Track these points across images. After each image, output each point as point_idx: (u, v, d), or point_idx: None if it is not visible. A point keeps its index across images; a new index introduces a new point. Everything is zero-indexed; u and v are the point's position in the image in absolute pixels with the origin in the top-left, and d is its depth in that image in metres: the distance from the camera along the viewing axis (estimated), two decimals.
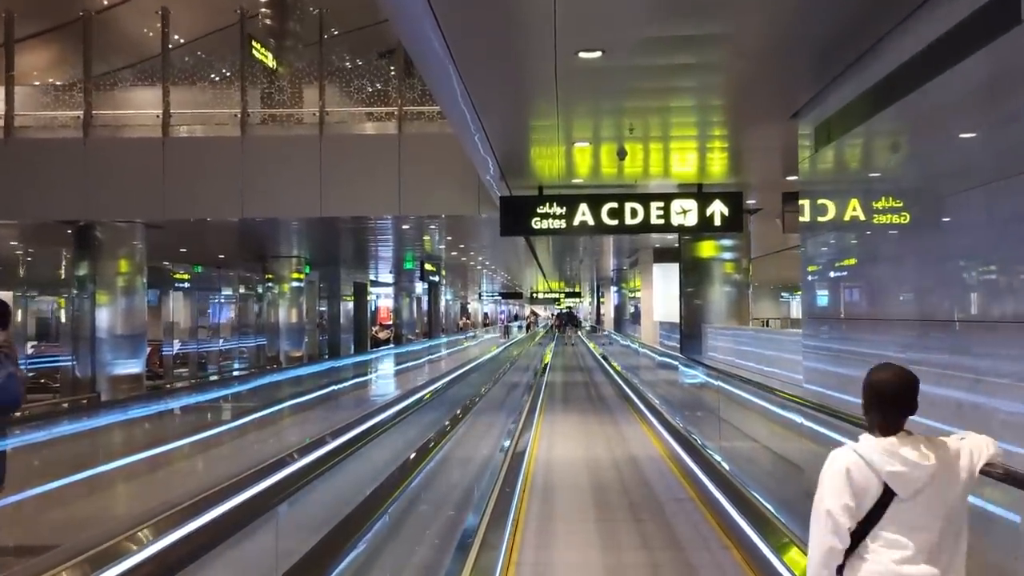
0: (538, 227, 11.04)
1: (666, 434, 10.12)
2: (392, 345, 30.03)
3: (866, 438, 2.48)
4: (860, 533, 2.42)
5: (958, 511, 2.44)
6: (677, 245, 21.33)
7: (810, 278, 7.34)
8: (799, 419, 6.77)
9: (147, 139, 13.99)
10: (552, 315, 63.44)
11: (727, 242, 14.41)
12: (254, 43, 15.99)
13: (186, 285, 28.34)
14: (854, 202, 6.34)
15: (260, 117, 14.48)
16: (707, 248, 14.44)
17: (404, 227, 16.77)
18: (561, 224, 11.01)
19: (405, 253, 25.10)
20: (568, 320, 40.16)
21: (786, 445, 7.80)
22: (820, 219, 7.03)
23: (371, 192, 13.93)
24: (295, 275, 23.95)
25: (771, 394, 7.11)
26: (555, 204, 11.01)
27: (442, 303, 47.25)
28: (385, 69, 14.54)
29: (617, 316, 34.79)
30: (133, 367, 14.64)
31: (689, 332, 14.40)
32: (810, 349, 7.21)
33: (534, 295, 57.81)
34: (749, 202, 11.67)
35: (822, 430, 6.50)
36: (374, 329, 37.90)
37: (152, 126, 14.16)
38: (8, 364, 5.30)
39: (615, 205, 11.01)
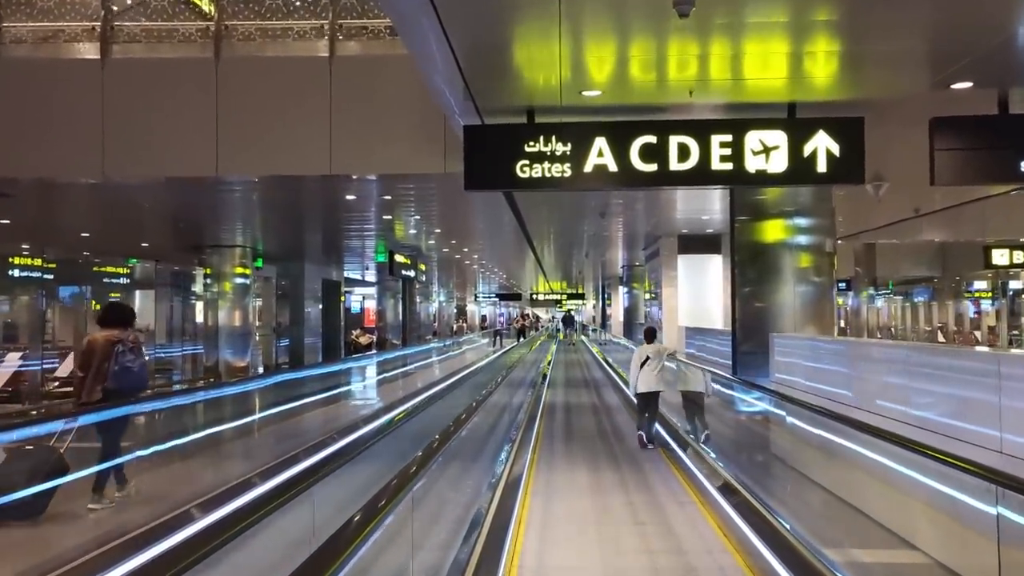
0: (526, 176, 6.66)
1: (735, 517, 5.75)
2: (366, 354, 25.66)
3: (640, 346, 10.71)
4: (640, 366, 9.95)
5: (662, 361, 10.06)
6: (711, 230, 17.00)
7: None
8: None
9: None
10: (555, 319, 70.68)
11: (802, 221, 10.02)
12: None
13: (122, 281, 24.20)
14: None
15: (133, 34, 10.12)
16: (774, 229, 10.06)
17: (349, 197, 12.34)
18: (564, 170, 6.66)
19: (378, 242, 20.82)
20: (568, 322, 48.88)
21: None
22: None
23: (289, 142, 9.67)
24: (239, 269, 19.77)
25: None
26: (554, 137, 6.68)
27: (433, 304, 43.08)
28: None
29: (627, 320, 30.36)
30: None
31: (747, 343, 10.02)
32: None
33: (534, 296, 54.18)
34: None
35: None
36: (355, 333, 34.03)
37: None
38: (141, 355, 7.17)
39: (652, 139, 6.68)
